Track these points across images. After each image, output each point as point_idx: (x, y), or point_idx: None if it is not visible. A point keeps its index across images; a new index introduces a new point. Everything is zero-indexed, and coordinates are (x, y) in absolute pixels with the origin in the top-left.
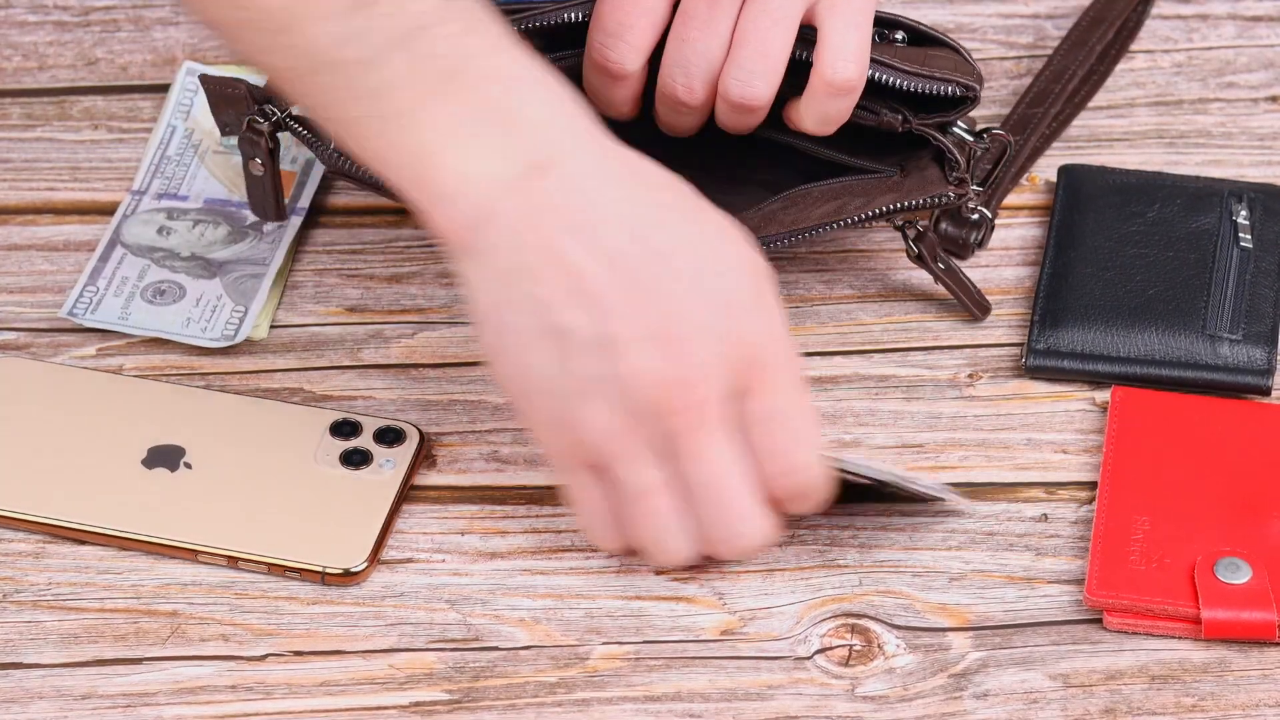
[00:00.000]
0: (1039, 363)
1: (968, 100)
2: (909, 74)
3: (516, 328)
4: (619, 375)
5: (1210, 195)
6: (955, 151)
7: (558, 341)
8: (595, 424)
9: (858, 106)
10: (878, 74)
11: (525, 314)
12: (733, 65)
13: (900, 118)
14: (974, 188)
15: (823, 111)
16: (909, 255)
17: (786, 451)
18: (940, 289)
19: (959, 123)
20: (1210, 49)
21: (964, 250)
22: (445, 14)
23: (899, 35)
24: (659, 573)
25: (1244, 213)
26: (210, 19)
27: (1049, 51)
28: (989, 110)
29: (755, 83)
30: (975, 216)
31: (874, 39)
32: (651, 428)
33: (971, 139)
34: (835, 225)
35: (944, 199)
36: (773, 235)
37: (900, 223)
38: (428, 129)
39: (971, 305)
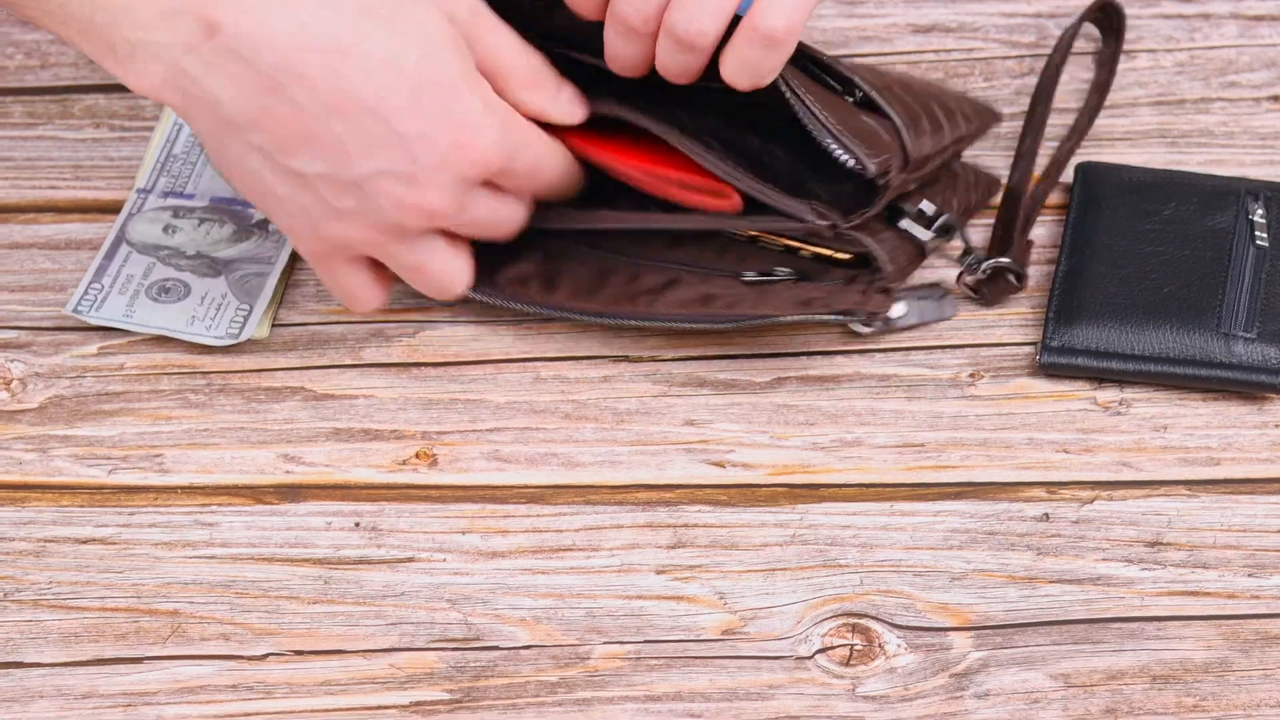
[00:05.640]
0: (1054, 360)
1: (865, 177)
2: (815, 117)
3: (249, 168)
4: (376, 208)
5: (1226, 194)
6: (884, 260)
7: (295, 178)
8: (347, 236)
9: (782, 214)
10: (787, 91)
11: (254, 158)
12: None
13: (829, 223)
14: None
15: (741, 57)
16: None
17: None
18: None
19: (922, 210)
20: (1212, 48)
21: (1020, 283)
22: None
23: (857, 94)
24: (659, 572)
25: (1260, 211)
26: None
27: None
28: None
29: (702, 17)
30: (986, 274)
31: (830, 89)
32: (402, 229)
33: (929, 235)
34: (741, 321)
35: (852, 315)
36: (700, 315)
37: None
38: (99, 3)
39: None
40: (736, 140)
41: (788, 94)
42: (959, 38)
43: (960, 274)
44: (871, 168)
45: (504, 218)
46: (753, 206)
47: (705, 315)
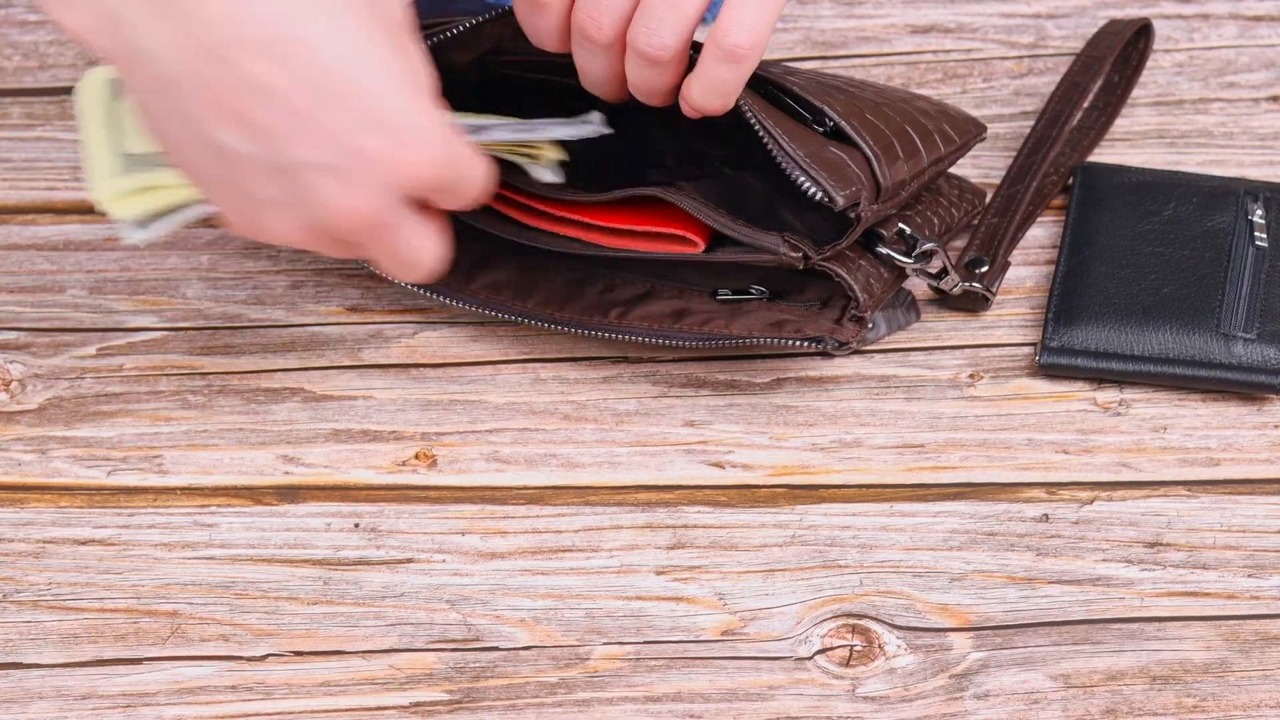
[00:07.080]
0: (1053, 360)
1: (835, 209)
2: (782, 148)
3: (176, 138)
4: (301, 202)
5: (1226, 194)
6: (858, 291)
7: (222, 156)
8: (278, 229)
9: (754, 249)
10: (755, 124)
11: (181, 127)
12: (643, 12)
13: (800, 255)
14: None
15: (708, 77)
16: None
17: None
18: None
19: (901, 231)
20: (1211, 49)
21: (977, 305)
22: None
23: (828, 124)
24: (659, 573)
25: (1260, 212)
26: None
27: (1050, 51)
28: (990, 110)
29: (662, 31)
30: (957, 291)
31: (799, 118)
32: (333, 232)
33: (909, 262)
34: (707, 341)
35: (822, 342)
36: (670, 331)
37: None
38: None
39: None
40: (709, 168)
41: (755, 126)
42: (957, 38)
43: (929, 281)
44: (840, 200)
45: (427, 248)
46: (724, 238)
47: (676, 332)
